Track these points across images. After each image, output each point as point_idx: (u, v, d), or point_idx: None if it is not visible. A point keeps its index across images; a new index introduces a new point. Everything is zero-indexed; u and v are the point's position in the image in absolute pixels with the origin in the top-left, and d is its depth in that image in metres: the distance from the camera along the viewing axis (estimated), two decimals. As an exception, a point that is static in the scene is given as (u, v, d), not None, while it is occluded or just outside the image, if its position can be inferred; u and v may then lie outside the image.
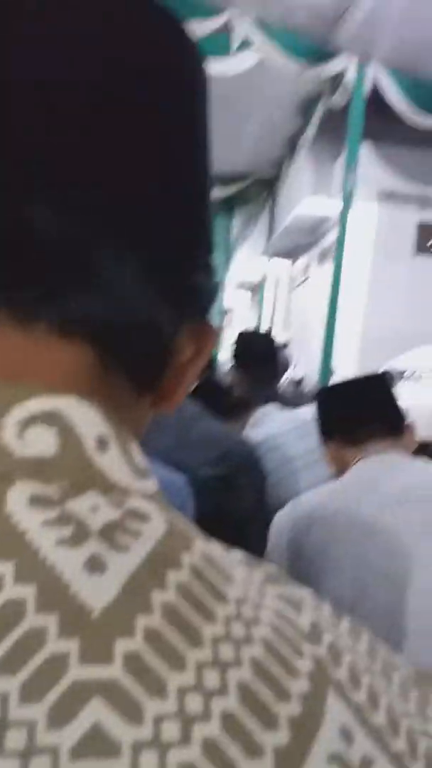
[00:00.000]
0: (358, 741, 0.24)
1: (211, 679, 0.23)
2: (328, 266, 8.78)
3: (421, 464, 1.30)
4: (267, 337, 2.25)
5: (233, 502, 1.45)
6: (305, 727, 0.23)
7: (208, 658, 0.23)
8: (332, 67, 7.42)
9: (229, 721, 0.22)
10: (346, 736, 0.24)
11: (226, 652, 0.24)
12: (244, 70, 6.82)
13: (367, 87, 7.64)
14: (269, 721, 0.23)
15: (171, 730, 0.21)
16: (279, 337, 11.40)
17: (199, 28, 6.07)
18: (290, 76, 7.33)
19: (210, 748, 0.21)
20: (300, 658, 0.25)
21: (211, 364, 2.03)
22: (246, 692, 0.23)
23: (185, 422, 1.53)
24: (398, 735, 0.25)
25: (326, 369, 7.91)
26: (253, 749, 0.22)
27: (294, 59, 6.98)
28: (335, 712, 0.24)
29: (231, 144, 9.53)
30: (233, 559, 0.28)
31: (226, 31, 6.48)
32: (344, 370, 7.42)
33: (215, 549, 0.27)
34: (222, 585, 0.26)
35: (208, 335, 0.35)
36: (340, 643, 0.27)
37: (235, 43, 6.52)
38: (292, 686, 0.24)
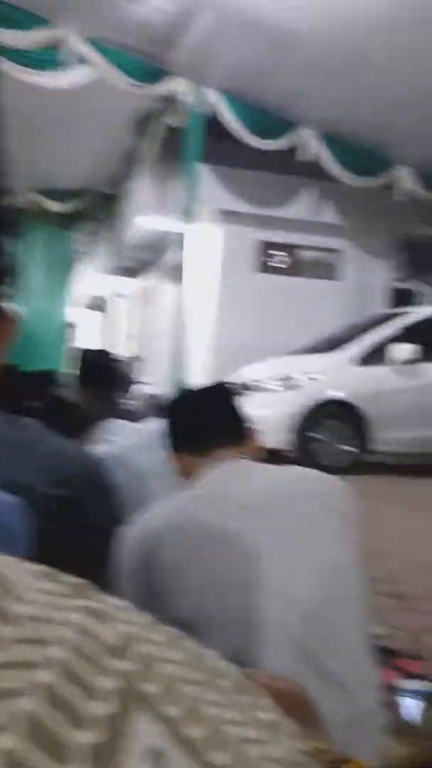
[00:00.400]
0: (171, 760, 0.22)
1: None
2: (175, 283, 8.92)
3: (266, 470, 1.33)
4: (107, 354, 2.25)
5: (83, 520, 1.42)
6: (106, 755, 0.21)
7: None
8: (166, 87, 7.57)
9: (11, 762, 0.20)
10: (156, 757, 0.22)
11: (10, 680, 0.21)
12: (80, 86, 6.77)
13: (203, 109, 7.87)
14: (62, 754, 0.20)
15: None
16: (129, 352, 11.31)
17: (24, 40, 5.94)
18: (126, 94, 7.38)
19: None
20: (102, 676, 0.23)
21: (54, 381, 1.98)
22: (34, 725, 0.21)
23: (30, 442, 1.48)
24: (220, 748, 0.24)
25: (177, 383, 8.00)
26: None
27: (128, 78, 7.04)
28: (143, 732, 0.22)
29: (68, 159, 9.42)
30: (30, 572, 0.25)
31: (56, 45, 6.39)
32: (197, 383, 7.55)
33: (3, 564, 0.25)
34: (8, 604, 0.23)
35: (2, 320, 0.32)
36: (155, 654, 0.25)
37: (68, 58, 6.46)
38: (90, 710, 0.22)
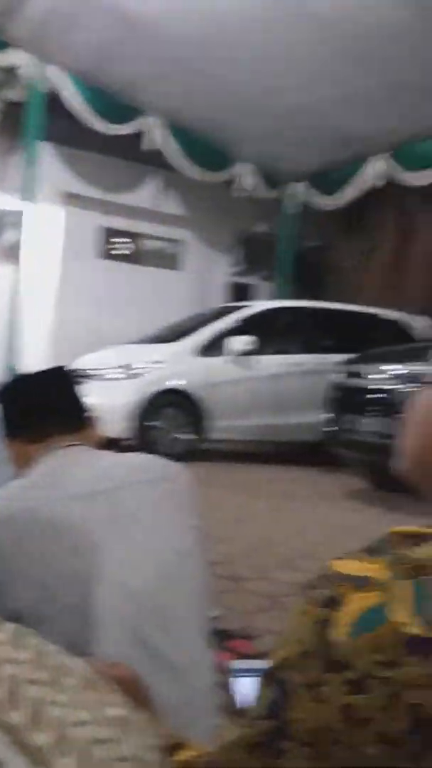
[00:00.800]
0: None
1: None
2: (11, 264, 8.52)
3: (105, 457, 1.31)
4: None
5: None
6: None
7: None
8: (6, 59, 7.20)
9: None
10: None
11: None
12: None
13: (46, 86, 7.57)
14: None
15: None
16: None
17: None
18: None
19: None
20: None
21: None
22: None
23: None
24: (66, 753, 0.22)
25: (11, 369, 7.68)
26: None
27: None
28: None
29: None
30: None
31: None
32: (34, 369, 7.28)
33: None
34: None
35: None
36: None
37: None
38: None
